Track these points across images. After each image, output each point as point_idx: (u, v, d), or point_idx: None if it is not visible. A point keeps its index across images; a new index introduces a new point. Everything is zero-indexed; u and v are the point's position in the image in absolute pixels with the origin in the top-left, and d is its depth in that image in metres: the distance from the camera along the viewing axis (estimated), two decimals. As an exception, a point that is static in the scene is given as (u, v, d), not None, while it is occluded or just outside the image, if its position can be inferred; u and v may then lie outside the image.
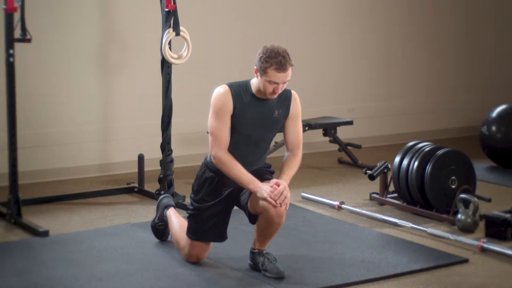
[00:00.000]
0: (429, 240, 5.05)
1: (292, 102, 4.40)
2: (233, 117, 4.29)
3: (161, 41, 5.60)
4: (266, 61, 4.16)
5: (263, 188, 4.17)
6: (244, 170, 4.26)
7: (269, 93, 4.24)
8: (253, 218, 4.38)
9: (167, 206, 4.84)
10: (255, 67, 4.24)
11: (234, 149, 4.31)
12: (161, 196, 4.97)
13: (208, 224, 4.43)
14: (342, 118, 7.41)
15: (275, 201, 4.15)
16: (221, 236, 4.50)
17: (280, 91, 4.24)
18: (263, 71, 4.19)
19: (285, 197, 4.17)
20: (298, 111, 4.42)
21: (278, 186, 4.18)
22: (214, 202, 4.40)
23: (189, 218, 4.50)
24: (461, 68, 8.76)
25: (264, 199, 4.16)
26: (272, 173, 4.46)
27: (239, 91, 4.29)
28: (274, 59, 4.16)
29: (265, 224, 4.28)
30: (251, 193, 4.28)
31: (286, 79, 4.21)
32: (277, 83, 4.20)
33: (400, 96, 8.35)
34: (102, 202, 5.91)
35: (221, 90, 4.30)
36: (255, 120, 4.31)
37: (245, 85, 4.33)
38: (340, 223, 5.43)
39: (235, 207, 4.50)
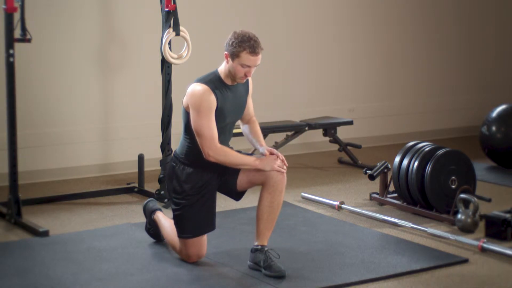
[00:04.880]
0: (429, 240, 5.05)
1: (250, 80, 4.58)
2: (215, 112, 4.37)
3: (161, 41, 5.60)
4: (239, 46, 4.32)
5: (268, 162, 4.36)
6: (239, 153, 4.43)
7: (240, 77, 4.39)
8: (239, 195, 4.55)
9: (153, 211, 4.86)
10: (226, 53, 4.37)
11: None
12: (145, 201, 4.99)
13: (198, 217, 4.47)
14: (342, 118, 7.41)
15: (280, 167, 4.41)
16: (212, 225, 4.55)
17: (250, 74, 4.40)
18: (235, 55, 4.33)
19: (284, 161, 4.43)
20: (251, 87, 4.64)
21: (272, 153, 4.40)
22: (200, 193, 4.45)
23: (177, 220, 4.51)
24: (461, 68, 8.76)
25: (273, 169, 4.35)
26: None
27: (215, 85, 4.39)
28: (247, 43, 4.32)
29: (269, 196, 4.38)
30: (237, 173, 4.43)
31: (257, 63, 4.37)
32: (249, 66, 4.34)
33: (400, 96, 8.35)
34: (102, 202, 5.91)
35: (200, 89, 4.36)
36: (233, 107, 4.46)
37: (215, 77, 4.43)
38: (340, 223, 5.43)
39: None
